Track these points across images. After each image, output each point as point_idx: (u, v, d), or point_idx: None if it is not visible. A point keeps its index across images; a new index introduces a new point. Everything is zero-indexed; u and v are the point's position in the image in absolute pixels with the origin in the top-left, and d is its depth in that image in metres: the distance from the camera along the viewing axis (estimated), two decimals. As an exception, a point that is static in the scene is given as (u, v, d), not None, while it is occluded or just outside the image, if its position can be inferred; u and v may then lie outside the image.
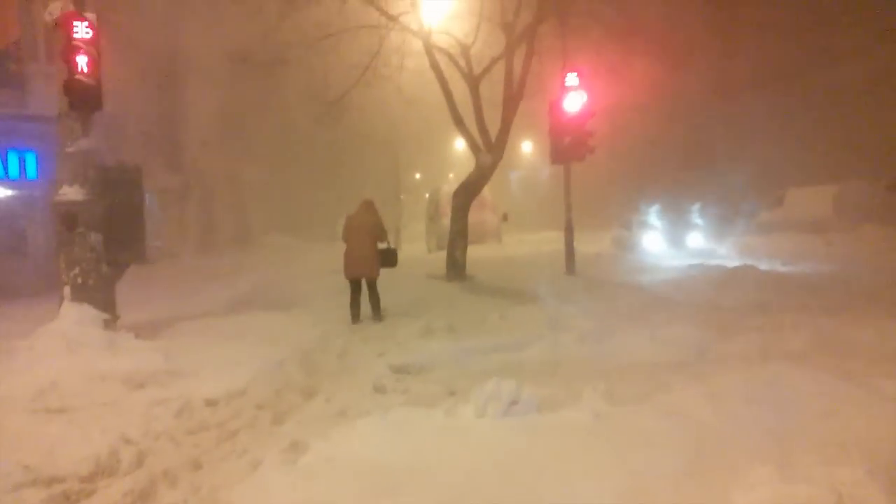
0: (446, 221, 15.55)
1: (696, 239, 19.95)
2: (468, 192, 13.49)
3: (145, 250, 8.65)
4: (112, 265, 7.88)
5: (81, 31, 7.33)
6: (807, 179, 19.86)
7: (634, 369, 5.62)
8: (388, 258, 9.60)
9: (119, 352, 6.71)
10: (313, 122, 16.37)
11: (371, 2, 12.20)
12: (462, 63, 12.88)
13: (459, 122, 13.13)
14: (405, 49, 13.27)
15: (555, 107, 12.42)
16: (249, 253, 25.29)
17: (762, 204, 20.42)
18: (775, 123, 25.49)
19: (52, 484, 3.85)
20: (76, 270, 7.51)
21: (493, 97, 13.03)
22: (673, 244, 19.61)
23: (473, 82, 12.94)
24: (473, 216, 14.31)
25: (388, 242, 9.72)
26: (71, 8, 7.38)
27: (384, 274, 9.50)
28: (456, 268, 12.87)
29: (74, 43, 7.30)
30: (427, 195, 27.44)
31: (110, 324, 7.47)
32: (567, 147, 12.31)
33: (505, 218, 24.33)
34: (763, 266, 13.28)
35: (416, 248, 23.02)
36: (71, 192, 7.55)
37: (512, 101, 12.76)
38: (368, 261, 9.27)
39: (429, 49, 12.58)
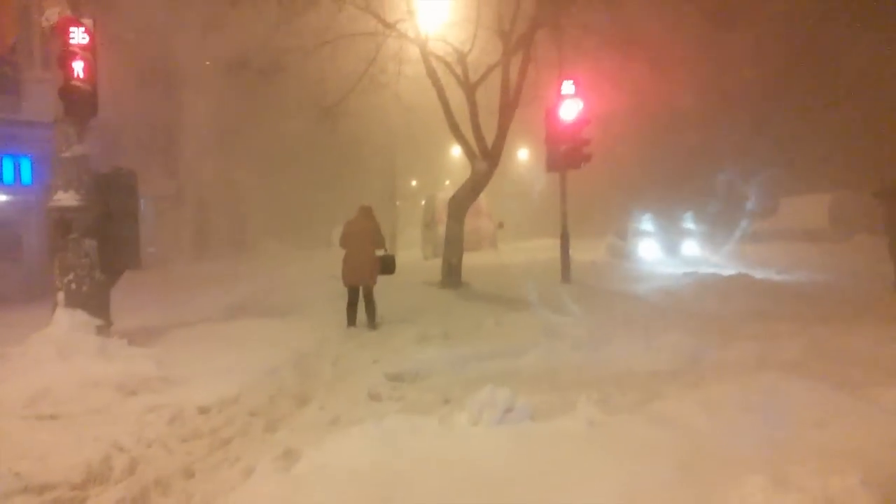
0: (442, 228, 15.57)
1: (691, 247, 20.02)
2: (464, 199, 13.51)
3: (140, 256, 8.58)
4: (106, 271, 7.84)
5: (78, 36, 7.32)
6: (801, 188, 19.96)
7: (629, 377, 5.62)
8: (387, 265, 9.60)
9: (112, 358, 6.66)
10: (309, 129, 16.39)
11: (368, 9, 12.24)
12: (459, 71, 12.92)
13: (456, 130, 13.16)
14: (402, 56, 13.30)
15: (551, 115, 12.47)
16: (245, 259, 25.26)
17: (757, 212, 20.52)
18: (770, 132, 25.62)
19: (44, 491, 3.82)
20: (70, 276, 7.48)
21: (490, 105, 13.07)
22: (668, 252, 19.67)
23: (470, 90, 12.98)
24: (469, 223, 14.33)
25: (386, 249, 9.73)
26: (68, 13, 7.38)
27: (380, 281, 9.50)
28: (452, 275, 12.87)
29: (71, 49, 7.29)
30: (423, 202, 27.48)
31: (104, 330, 7.44)
32: (563, 155, 12.35)
33: (500, 225, 24.38)
34: (758, 274, 13.32)
35: (412, 254, 23.03)
36: (65, 198, 7.53)
37: (508, 108, 12.80)
38: (367, 267, 9.27)
39: (425, 56, 12.62)
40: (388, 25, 12.54)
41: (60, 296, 7.45)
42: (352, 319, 9.25)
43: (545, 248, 19.71)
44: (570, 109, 12.18)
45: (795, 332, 6.90)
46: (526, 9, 12.27)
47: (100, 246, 7.71)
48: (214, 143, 27.35)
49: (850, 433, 3.60)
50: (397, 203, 29.34)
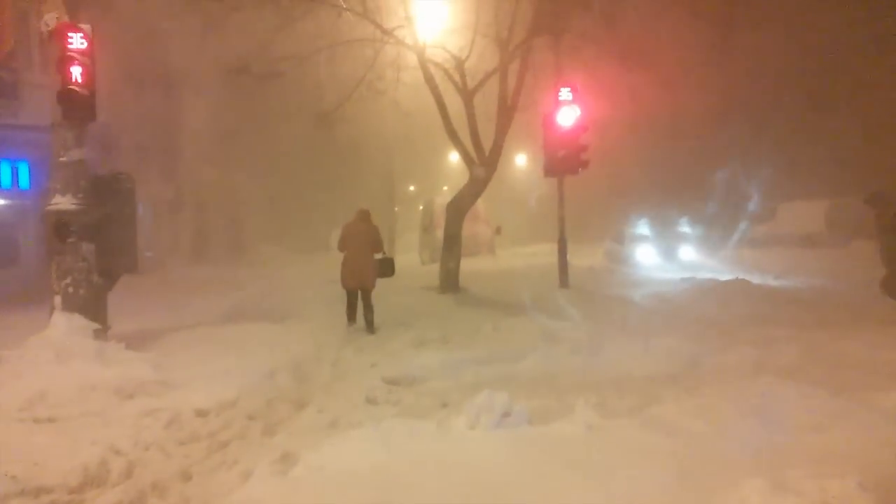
0: (440, 233, 15.57)
1: (689, 252, 20.06)
2: (462, 204, 13.52)
3: (137, 260, 8.57)
4: (104, 275, 7.83)
5: (76, 41, 7.33)
6: (799, 193, 20.01)
7: (627, 382, 5.63)
8: (386, 267, 9.60)
9: (109, 362, 6.65)
10: (308, 133, 16.41)
11: (366, 16, 12.26)
12: (456, 77, 12.94)
13: (454, 136, 13.18)
14: (400, 63, 13.31)
15: (548, 121, 12.49)
16: (243, 263, 25.23)
17: (754, 217, 20.56)
18: (768, 138, 25.68)
19: (40, 495, 3.81)
20: (67, 280, 7.47)
21: (488, 111, 13.09)
22: (665, 257, 19.70)
23: (468, 96, 13.00)
24: (467, 229, 14.33)
25: (384, 252, 9.74)
26: (66, 19, 7.39)
27: (378, 285, 9.50)
28: (449, 280, 12.88)
29: (69, 53, 7.30)
30: (421, 207, 27.49)
31: (101, 334, 7.42)
32: (560, 161, 12.36)
33: (498, 231, 24.39)
34: (755, 279, 13.34)
35: (410, 259, 23.03)
36: (63, 202, 7.52)
37: (506, 114, 12.83)
38: (366, 270, 9.28)
39: (423, 63, 12.64)
40: (386, 32, 12.56)
41: (58, 299, 7.44)
42: (351, 316, 9.26)
43: (543, 254, 19.74)
44: (568, 116, 12.20)
45: (793, 336, 6.92)
46: (524, 16, 12.31)
47: (97, 250, 7.69)
48: (213, 148, 27.31)
49: (848, 437, 3.61)
50: (396, 208, 29.37)
